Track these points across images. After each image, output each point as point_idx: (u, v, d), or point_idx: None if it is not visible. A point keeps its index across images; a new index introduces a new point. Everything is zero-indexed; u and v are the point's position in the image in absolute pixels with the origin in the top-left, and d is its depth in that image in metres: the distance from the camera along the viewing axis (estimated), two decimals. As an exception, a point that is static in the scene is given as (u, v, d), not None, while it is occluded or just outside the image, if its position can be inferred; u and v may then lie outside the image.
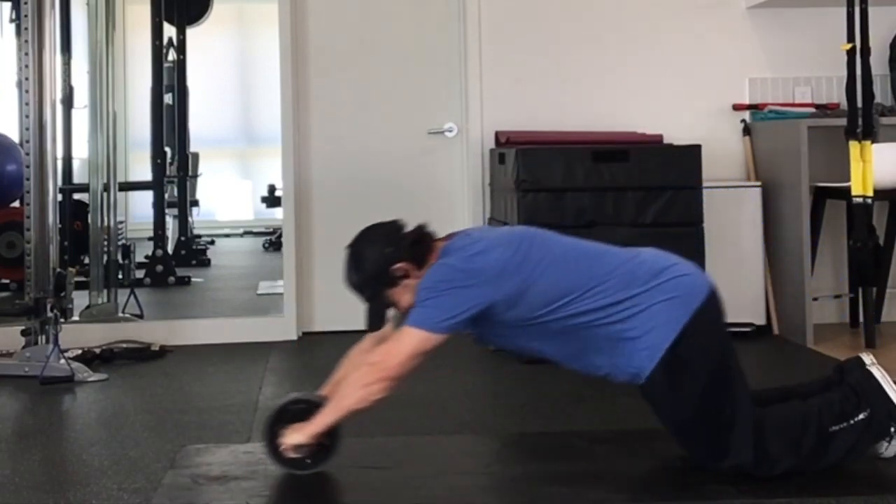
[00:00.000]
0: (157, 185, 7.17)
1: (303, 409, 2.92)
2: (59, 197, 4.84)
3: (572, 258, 2.83)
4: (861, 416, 2.81)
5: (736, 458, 2.76)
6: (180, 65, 7.94)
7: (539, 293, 2.77)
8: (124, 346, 4.74)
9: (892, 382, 2.87)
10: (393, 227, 2.92)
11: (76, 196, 6.52)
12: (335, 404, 2.84)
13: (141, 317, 5.31)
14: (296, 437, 2.87)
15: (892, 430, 2.85)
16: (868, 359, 2.94)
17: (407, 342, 2.77)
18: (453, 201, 5.28)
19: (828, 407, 2.83)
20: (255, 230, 9.78)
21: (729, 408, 2.76)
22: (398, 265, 2.83)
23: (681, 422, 2.81)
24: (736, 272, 4.95)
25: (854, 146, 4.55)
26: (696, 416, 2.78)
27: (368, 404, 2.79)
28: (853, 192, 4.58)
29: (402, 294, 2.87)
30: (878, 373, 2.88)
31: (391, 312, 2.94)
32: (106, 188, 5.72)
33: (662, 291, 2.77)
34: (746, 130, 5.27)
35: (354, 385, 2.81)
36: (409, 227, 2.91)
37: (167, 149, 7.50)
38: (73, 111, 6.65)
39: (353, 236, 2.93)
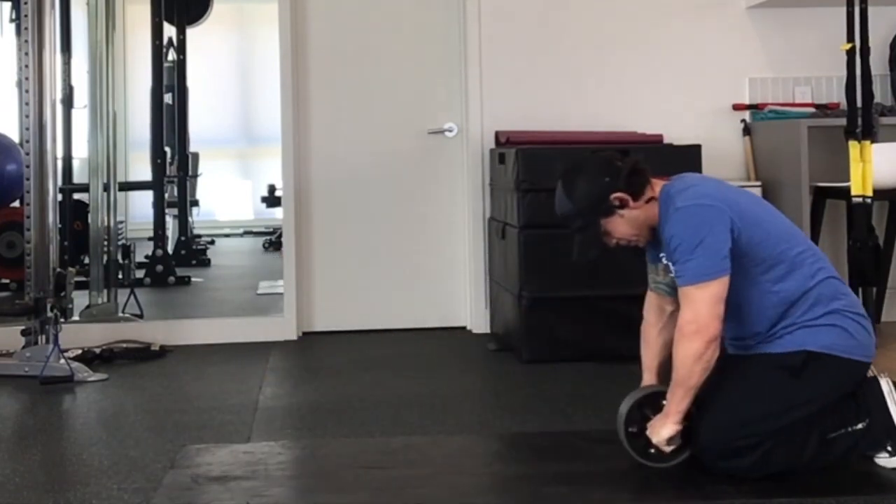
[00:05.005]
0: (157, 185, 7.17)
1: (648, 405, 2.88)
2: (59, 197, 4.83)
3: (798, 238, 2.88)
4: (859, 426, 2.79)
5: (740, 463, 2.75)
6: (180, 65, 7.94)
7: (758, 244, 2.77)
8: (124, 346, 4.74)
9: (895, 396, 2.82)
10: (607, 158, 2.91)
11: (76, 196, 6.52)
12: (682, 386, 2.74)
13: (141, 317, 5.30)
14: (666, 430, 2.77)
15: (890, 447, 2.80)
16: (871, 370, 2.88)
17: (703, 297, 2.69)
18: (453, 201, 5.28)
19: (829, 413, 2.79)
20: (255, 230, 9.79)
21: (791, 433, 2.75)
22: (616, 194, 2.81)
23: (747, 409, 2.76)
24: (736, 272, 4.96)
25: (854, 146, 4.54)
26: (768, 414, 2.74)
27: (709, 371, 2.73)
28: (853, 192, 4.57)
29: (616, 224, 2.85)
30: (886, 386, 2.83)
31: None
32: (106, 188, 5.72)
33: (849, 319, 2.80)
34: (746, 130, 5.27)
35: (687, 361, 2.71)
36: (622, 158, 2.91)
37: (167, 149, 7.50)
38: (73, 111, 6.65)
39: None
